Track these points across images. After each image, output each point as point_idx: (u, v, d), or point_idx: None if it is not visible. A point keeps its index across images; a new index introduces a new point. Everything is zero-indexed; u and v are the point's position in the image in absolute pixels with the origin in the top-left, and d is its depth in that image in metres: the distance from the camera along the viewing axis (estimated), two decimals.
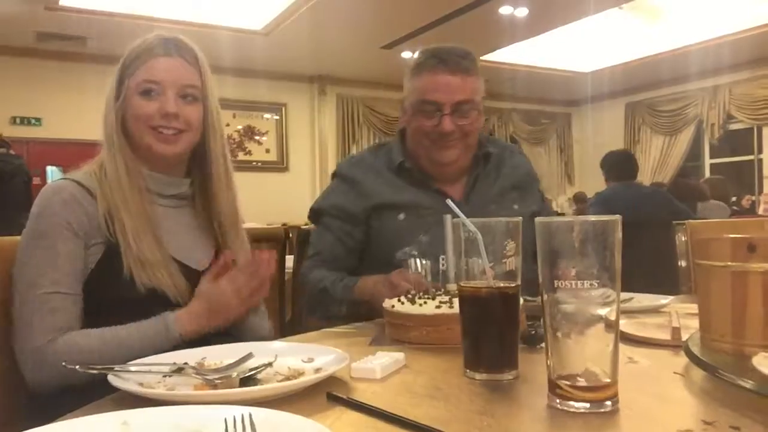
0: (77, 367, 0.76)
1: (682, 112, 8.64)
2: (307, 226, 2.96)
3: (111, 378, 0.72)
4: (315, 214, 1.60)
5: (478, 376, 0.79)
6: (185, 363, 0.81)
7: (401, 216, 1.48)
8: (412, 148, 1.57)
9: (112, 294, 1.12)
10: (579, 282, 0.67)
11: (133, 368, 0.78)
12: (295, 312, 2.55)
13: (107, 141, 1.19)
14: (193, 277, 1.16)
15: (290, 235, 2.65)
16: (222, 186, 1.25)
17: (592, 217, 0.68)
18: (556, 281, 0.68)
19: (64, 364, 0.79)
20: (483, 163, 1.58)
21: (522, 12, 6.03)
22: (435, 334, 0.99)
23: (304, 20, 6.11)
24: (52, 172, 6.38)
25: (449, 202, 0.93)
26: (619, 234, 0.68)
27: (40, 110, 6.82)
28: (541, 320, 1.01)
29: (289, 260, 2.64)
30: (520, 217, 0.81)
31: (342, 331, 1.19)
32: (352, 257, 1.53)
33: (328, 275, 1.46)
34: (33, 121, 6.86)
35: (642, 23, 6.89)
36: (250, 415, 0.54)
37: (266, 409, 0.57)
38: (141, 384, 0.74)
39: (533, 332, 0.98)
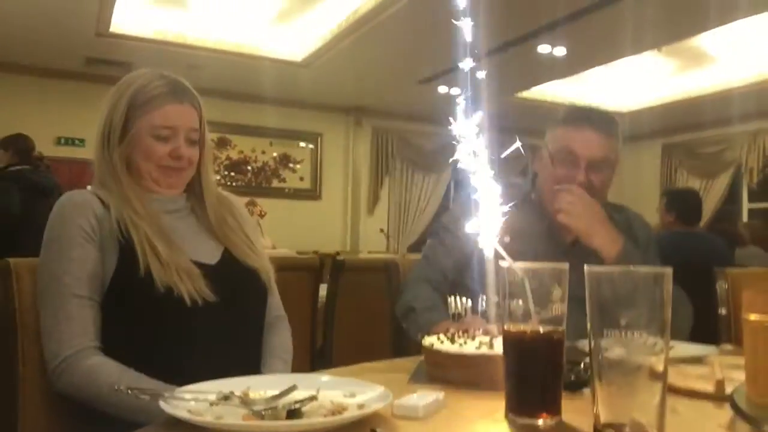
0: (128, 390, 0.79)
1: (720, 155, 8.51)
2: (340, 256, 2.98)
3: (162, 403, 0.75)
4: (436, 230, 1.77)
5: (520, 420, 0.79)
6: (231, 392, 0.83)
7: (506, 239, 1.53)
8: (540, 188, 1.68)
9: (131, 297, 1.18)
10: (628, 331, 0.68)
11: (180, 395, 0.80)
12: (326, 340, 2.56)
13: (113, 179, 1.28)
14: (208, 271, 1.24)
15: (324, 264, 2.67)
16: (213, 200, 1.40)
17: (643, 268, 0.69)
18: (604, 329, 0.68)
19: (117, 387, 0.82)
20: None
21: (560, 51, 6.06)
22: (474, 376, 0.99)
23: (343, 53, 6.22)
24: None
25: (496, 243, 0.94)
26: (669, 286, 0.68)
27: (84, 131, 6.99)
28: (582, 364, 1.01)
29: (322, 289, 2.66)
30: (567, 264, 0.82)
31: (379, 366, 1.19)
32: (455, 271, 1.65)
33: (422, 296, 1.59)
34: (77, 141, 7.05)
35: (681, 66, 6.87)
36: None
37: None
38: (189, 411, 0.76)
39: (573, 378, 0.98)
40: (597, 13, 5.07)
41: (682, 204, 3.94)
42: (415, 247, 8.08)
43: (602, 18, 5.13)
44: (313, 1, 5.56)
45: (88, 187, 1.34)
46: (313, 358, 2.42)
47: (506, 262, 0.83)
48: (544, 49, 6.02)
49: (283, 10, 5.74)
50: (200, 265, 1.24)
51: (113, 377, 1.11)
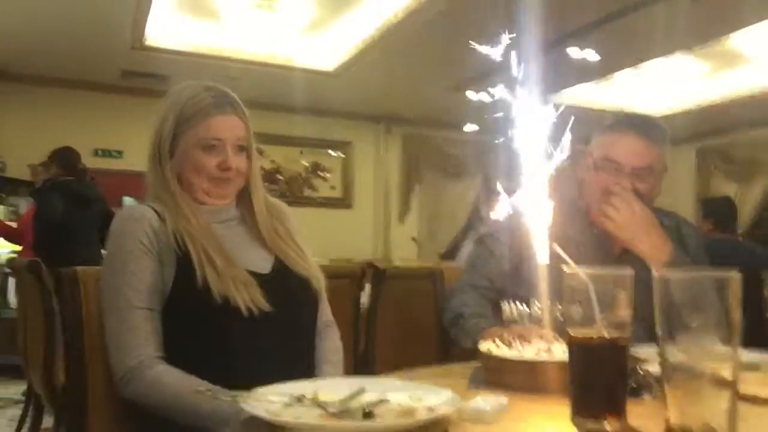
0: (208, 391, 0.82)
1: (756, 158, 8.37)
2: (378, 264, 3.01)
3: (243, 404, 0.78)
4: (482, 237, 1.79)
5: (586, 423, 0.81)
6: (302, 394, 0.86)
7: (555, 246, 1.54)
8: (586, 198, 1.67)
9: (189, 308, 1.22)
10: (697, 335, 0.69)
11: (257, 396, 0.83)
12: (368, 346, 2.59)
13: (166, 194, 1.32)
14: (262, 281, 1.26)
15: (365, 272, 2.70)
16: (262, 209, 1.42)
17: (711, 272, 0.70)
18: (674, 333, 0.70)
19: (202, 390, 0.85)
20: None
21: (590, 54, 6.02)
22: (535, 381, 1.00)
23: (374, 62, 6.27)
24: (129, 203, 6.68)
25: (558, 248, 0.96)
26: (738, 289, 0.70)
27: (121, 143, 7.17)
28: (639, 373, 1.02)
29: (363, 296, 2.69)
30: (632, 270, 0.83)
31: (435, 372, 1.22)
32: (502, 279, 1.65)
33: (470, 303, 1.59)
34: (114, 153, 7.21)
35: (715, 67, 6.78)
36: None
37: None
38: (268, 411, 0.79)
39: (633, 384, 0.99)
40: (627, 15, 5.05)
41: (717, 212, 3.99)
42: (446, 255, 8.07)
43: (632, 19, 5.10)
44: (343, 11, 5.62)
45: (127, 200, 1.37)
46: (356, 366, 2.44)
47: (570, 268, 0.84)
48: (574, 52, 6.00)
49: (315, 21, 5.82)
50: (254, 275, 1.27)
51: (177, 386, 1.15)
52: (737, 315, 0.69)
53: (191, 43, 6.13)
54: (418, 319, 2.23)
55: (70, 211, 4.21)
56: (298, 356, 1.34)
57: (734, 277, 0.69)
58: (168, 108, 1.33)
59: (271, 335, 1.26)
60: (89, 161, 6.51)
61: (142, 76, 6.73)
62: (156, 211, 1.28)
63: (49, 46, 5.99)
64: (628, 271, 0.83)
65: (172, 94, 1.35)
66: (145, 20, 5.44)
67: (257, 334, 1.23)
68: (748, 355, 1.30)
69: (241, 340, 1.23)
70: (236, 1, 5.41)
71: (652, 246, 1.51)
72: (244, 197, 1.42)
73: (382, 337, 2.58)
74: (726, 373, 0.70)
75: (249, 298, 1.21)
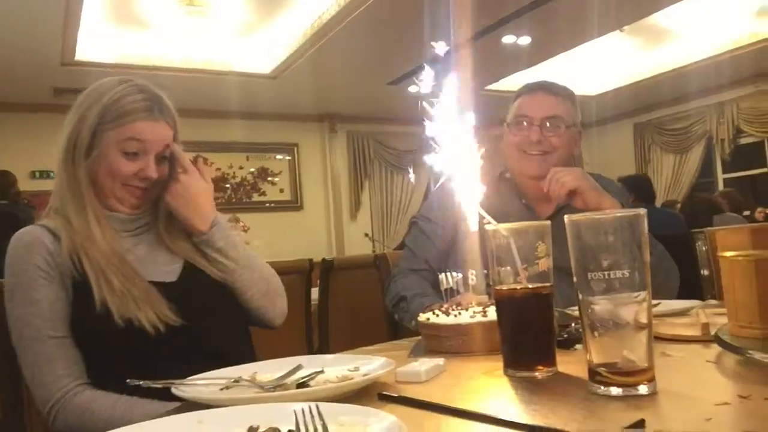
0: (141, 383, 0.81)
1: (690, 129, 8.66)
2: (330, 258, 3.01)
3: (174, 390, 0.77)
4: (414, 219, 1.84)
5: (518, 374, 0.83)
6: (239, 377, 0.85)
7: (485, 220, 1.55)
8: (508, 165, 1.74)
9: (92, 333, 1.13)
10: (611, 272, 0.71)
11: (191, 382, 0.82)
12: (322, 340, 2.59)
13: (73, 195, 1.20)
14: (169, 290, 1.18)
15: (313, 268, 2.70)
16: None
17: (619, 212, 0.72)
18: (589, 274, 0.72)
19: (130, 381, 0.83)
20: None
21: (525, 40, 6.14)
22: (471, 343, 1.02)
23: (311, 62, 6.25)
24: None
25: (479, 208, 0.97)
26: (645, 226, 0.72)
27: None
28: (571, 326, 1.05)
29: (314, 292, 2.69)
30: (549, 222, 0.86)
31: (379, 348, 1.22)
32: (438, 258, 1.68)
33: (412, 286, 1.62)
34: (52, 174, 6.96)
35: (644, 44, 6.99)
36: (317, 406, 0.58)
37: (330, 402, 0.62)
38: (201, 393, 0.78)
39: (565, 335, 1.02)
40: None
41: (636, 188, 4.41)
42: (401, 248, 8.11)
43: (564, 2, 5.21)
44: (275, 12, 5.58)
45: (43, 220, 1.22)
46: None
47: (491, 226, 0.86)
48: (508, 39, 6.10)
49: (248, 24, 5.76)
50: (159, 286, 1.18)
51: (107, 410, 1.08)
52: (646, 251, 0.72)
53: (123, 56, 5.99)
54: (369, 308, 2.24)
55: (3, 235, 4.06)
56: (227, 362, 1.24)
57: (640, 214, 0.72)
58: (92, 102, 1.19)
59: (189, 346, 1.15)
60: (27, 184, 6.30)
61: (74, 93, 6.48)
62: (51, 231, 1.17)
63: None
64: (546, 223, 0.85)
65: (100, 88, 1.21)
66: (75, 35, 5.29)
67: (173, 348, 1.13)
68: (677, 303, 1.36)
69: (153, 358, 1.11)
70: (167, 9, 5.31)
71: (612, 204, 1.53)
72: (155, 202, 1.29)
73: (335, 332, 2.59)
74: (642, 316, 0.72)
75: (154, 315, 1.11)
